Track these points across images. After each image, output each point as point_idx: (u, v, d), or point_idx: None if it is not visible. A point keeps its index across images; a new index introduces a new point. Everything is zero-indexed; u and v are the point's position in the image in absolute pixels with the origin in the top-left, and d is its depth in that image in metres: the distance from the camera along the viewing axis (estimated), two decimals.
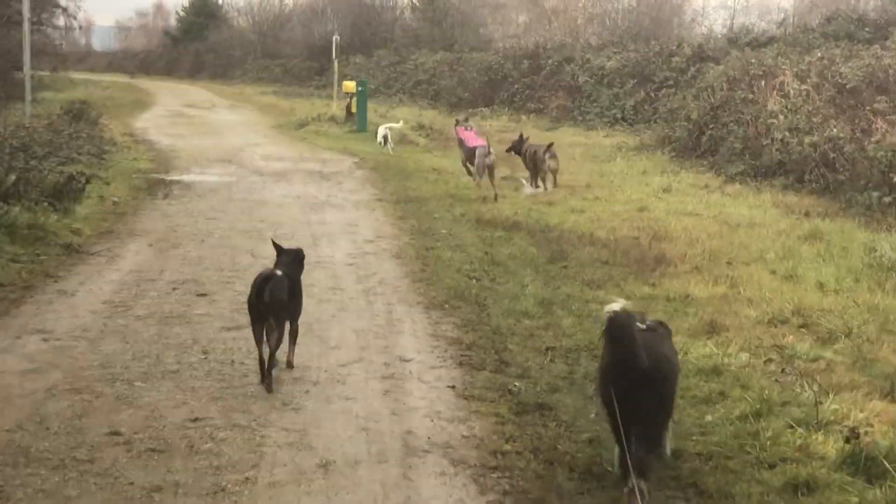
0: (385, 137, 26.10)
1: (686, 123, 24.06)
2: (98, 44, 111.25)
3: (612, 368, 5.76)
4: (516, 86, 39.43)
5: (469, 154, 18.56)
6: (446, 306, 10.15)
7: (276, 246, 8.22)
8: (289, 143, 27.96)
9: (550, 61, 38.56)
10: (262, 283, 7.43)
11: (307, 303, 8.70)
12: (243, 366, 7.98)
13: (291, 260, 8.04)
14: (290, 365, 7.93)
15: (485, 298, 10.50)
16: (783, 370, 8.36)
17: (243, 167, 21.69)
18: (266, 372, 7.50)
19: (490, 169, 18.08)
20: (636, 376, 5.62)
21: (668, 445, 6.46)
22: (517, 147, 19.99)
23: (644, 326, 6.09)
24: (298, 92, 51.51)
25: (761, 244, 13.65)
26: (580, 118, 34.51)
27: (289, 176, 20.32)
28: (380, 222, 15.28)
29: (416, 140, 28.25)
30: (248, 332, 8.62)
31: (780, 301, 10.51)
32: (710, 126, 22.83)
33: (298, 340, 8.13)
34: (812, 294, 10.88)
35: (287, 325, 7.79)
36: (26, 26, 28.79)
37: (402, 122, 28.22)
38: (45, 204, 13.57)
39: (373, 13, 63.86)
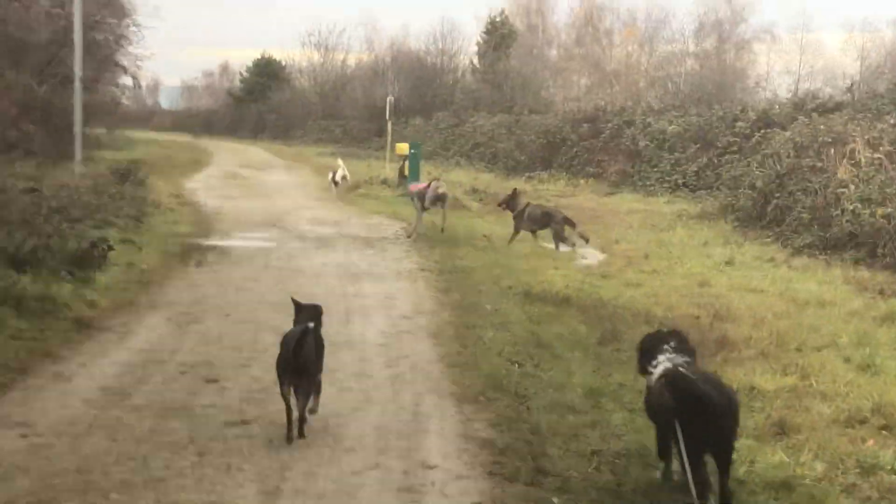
0: (344, 177, 29.35)
1: (750, 191, 22.91)
2: (165, 103, 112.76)
3: (696, 407, 6.43)
4: (575, 149, 38.50)
5: (421, 197, 20.87)
6: (482, 398, 9.08)
7: (295, 303, 8.37)
8: (338, 206, 27.15)
9: (610, 125, 37.63)
10: (300, 339, 7.58)
11: (327, 392, 8.06)
12: (241, 473, 6.98)
13: (312, 316, 8.07)
14: (312, 411, 7.81)
15: (526, 388, 9.44)
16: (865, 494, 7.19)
17: (287, 231, 20.89)
18: (299, 429, 7.65)
19: (443, 199, 20.84)
20: (719, 410, 6.44)
21: None
22: (510, 203, 20.58)
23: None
24: (356, 153, 50.99)
25: (833, 326, 12.44)
26: (640, 183, 33.44)
27: (332, 242, 19.47)
28: (420, 295, 14.28)
29: (468, 205, 27.33)
30: (253, 429, 7.81)
31: (857, 396, 9.33)
32: (776, 195, 21.66)
33: (311, 441, 7.63)
34: (893, 388, 9.66)
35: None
36: (77, 84, 28.57)
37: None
38: (64, 272, 12.75)
39: (433, 75, 63.68)
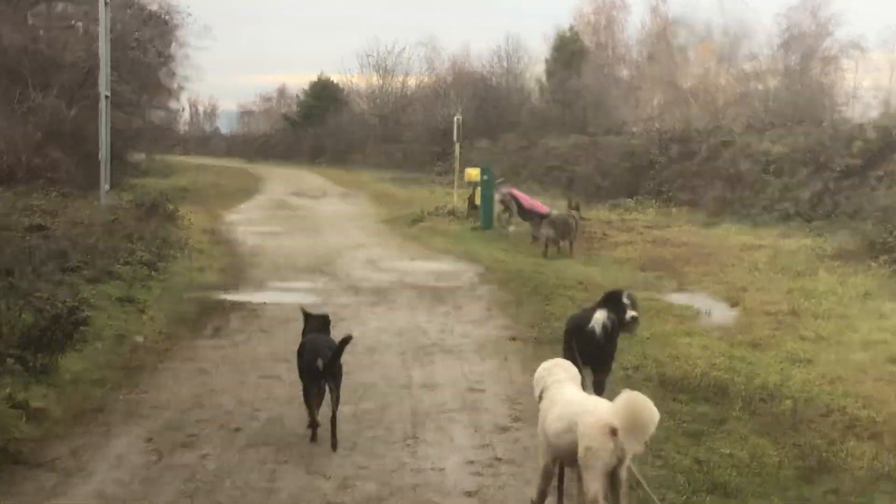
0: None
1: None
2: (224, 128, 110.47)
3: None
4: (664, 173, 34.16)
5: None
6: None
7: (304, 313, 8.79)
8: (399, 243, 23.04)
9: (704, 145, 33.32)
10: (339, 349, 7.86)
11: None
12: None
13: (321, 325, 8.61)
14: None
15: None
16: None
17: (336, 279, 16.89)
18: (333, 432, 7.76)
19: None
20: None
21: None
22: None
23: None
24: (418, 178, 47.03)
25: None
26: (743, 212, 28.97)
27: (391, 295, 15.42)
28: (516, 385, 10.09)
29: None
30: None
31: None
32: None
33: None
34: None
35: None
36: (102, 104, 25.07)
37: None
38: (11, 360, 8.85)
39: (499, 95, 59.81)
